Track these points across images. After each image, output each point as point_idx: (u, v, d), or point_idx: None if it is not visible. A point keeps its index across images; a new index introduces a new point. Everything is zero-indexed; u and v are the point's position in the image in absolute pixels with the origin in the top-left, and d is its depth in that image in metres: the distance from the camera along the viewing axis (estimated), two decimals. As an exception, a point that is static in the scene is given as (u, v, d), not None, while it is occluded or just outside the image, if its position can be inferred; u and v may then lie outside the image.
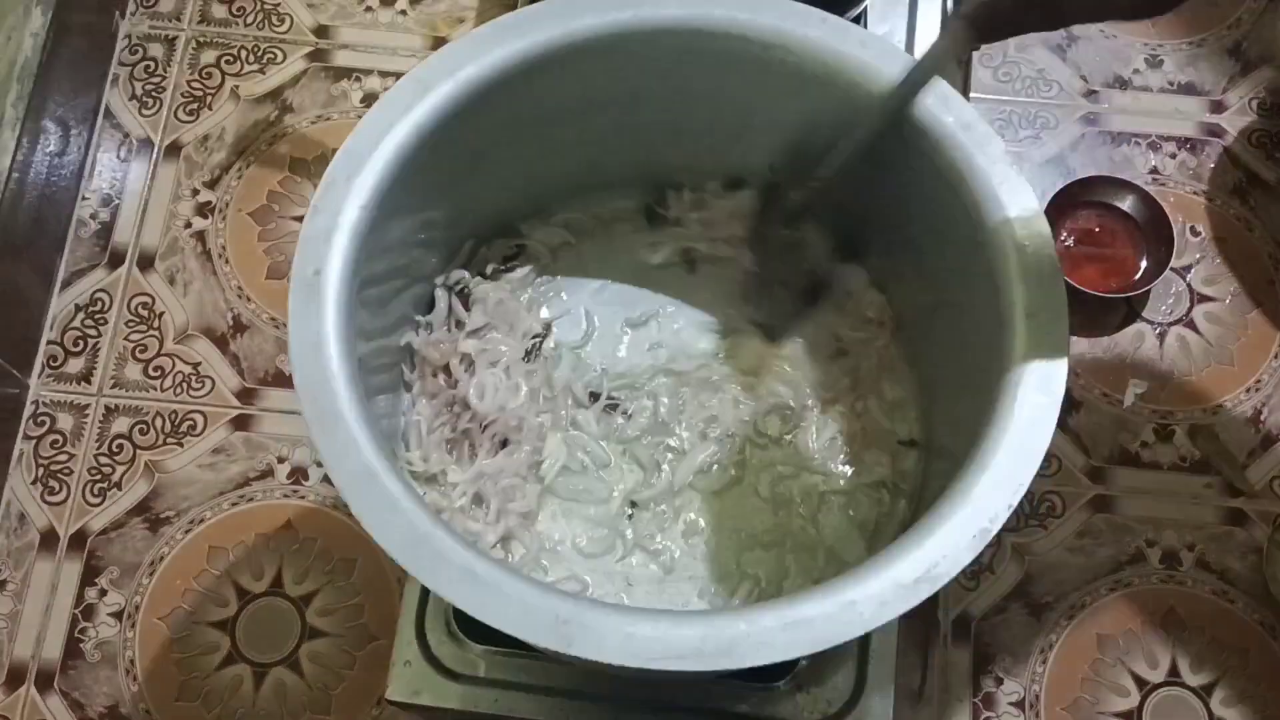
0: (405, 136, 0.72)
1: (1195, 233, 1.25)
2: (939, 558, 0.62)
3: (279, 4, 1.35)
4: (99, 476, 1.17)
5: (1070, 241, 1.21)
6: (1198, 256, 1.24)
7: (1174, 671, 1.11)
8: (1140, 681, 1.11)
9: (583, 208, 0.90)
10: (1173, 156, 1.29)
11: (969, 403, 0.71)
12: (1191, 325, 1.22)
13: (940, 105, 0.72)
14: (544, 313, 0.88)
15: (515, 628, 0.61)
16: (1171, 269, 1.21)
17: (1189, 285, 1.23)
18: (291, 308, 0.67)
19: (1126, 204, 1.22)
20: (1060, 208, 1.21)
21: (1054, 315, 0.67)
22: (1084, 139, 1.29)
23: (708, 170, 0.89)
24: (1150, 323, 1.22)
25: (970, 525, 0.63)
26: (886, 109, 0.71)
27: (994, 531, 0.62)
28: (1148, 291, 1.21)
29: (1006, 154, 0.70)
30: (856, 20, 1.06)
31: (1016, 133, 1.29)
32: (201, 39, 1.34)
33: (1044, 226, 0.69)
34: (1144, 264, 1.21)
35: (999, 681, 1.10)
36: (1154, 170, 1.28)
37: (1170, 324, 1.22)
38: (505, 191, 0.87)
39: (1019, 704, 1.10)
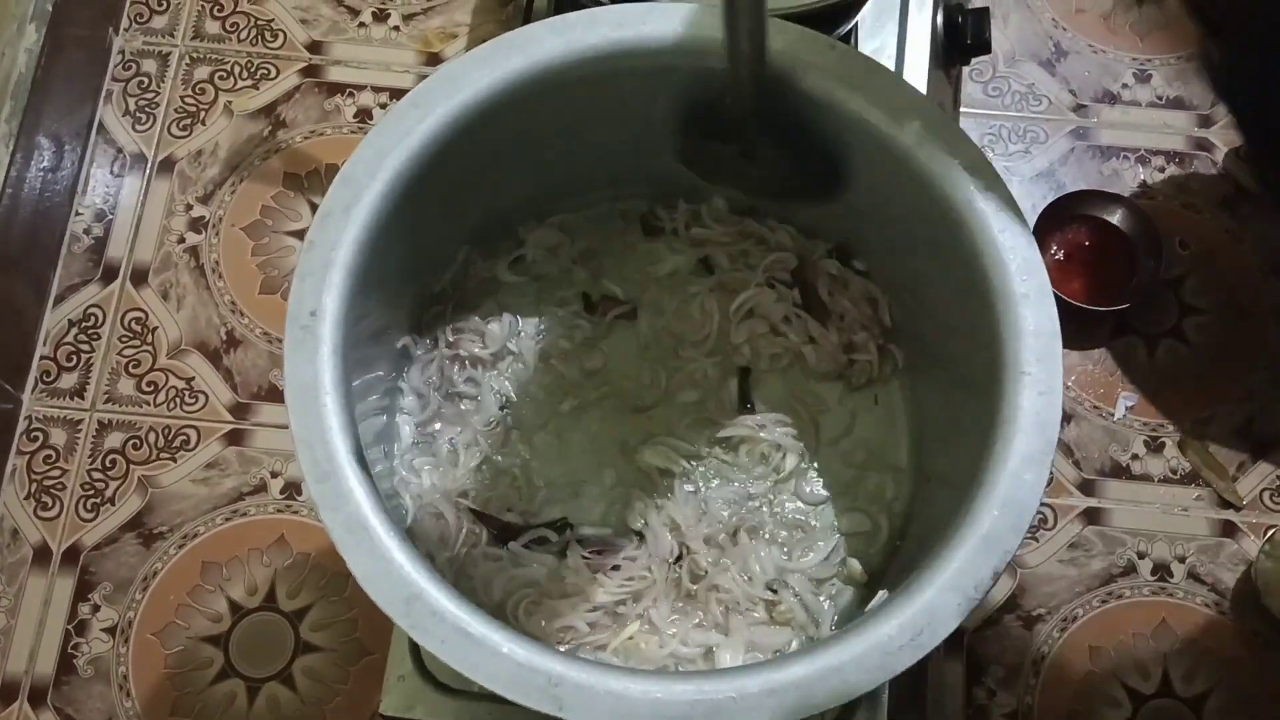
0: (403, 162, 0.73)
1: (1184, 245, 1.26)
2: (924, 624, 0.62)
3: (272, 20, 1.35)
4: (92, 492, 1.17)
5: (1060, 255, 1.22)
6: (1187, 269, 1.25)
7: (1166, 683, 1.11)
8: (1133, 693, 1.11)
9: (578, 210, 0.91)
10: (1161, 170, 1.29)
11: (961, 439, 0.72)
12: (1181, 337, 1.23)
13: (948, 145, 0.72)
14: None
15: (507, 689, 0.62)
16: (1161, 281, 1.22)
17: (1178, 298, 1.24)
18: (287, 351, 0.67)
19: (1116, 217, 1.22)
20: (1050, 221, 1.22)
21: (1049, 372, 0.67)
22: (1073, 153, 1.30)
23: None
24: (1140, 335, 1.23)
25: (956, 593, 0.63)
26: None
27: (979, 599, 0.62)
28: (1138, 304, 1.22)
29: (1010, 200, 0.70)
30: (845, 38, 1.06)
31: (1006, 147, 1.30)
32: (195, 54, 1.34)
33: (1044, 280, 0.68)
34: (1134, 277, 1.21)
35: (991, 694, 1.11)
36: (1143, 184, 1.29)
37: (1160, 336, 1.23)
38: (501, 200, 0.87)
39: (1011, 716, 1.10)
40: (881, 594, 0.80)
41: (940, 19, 1.06)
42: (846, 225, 0.87)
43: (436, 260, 0.88)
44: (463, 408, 0.87)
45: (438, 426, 0.87)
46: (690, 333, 0.87)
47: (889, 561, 0.84)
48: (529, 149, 0.82)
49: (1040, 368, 0.67)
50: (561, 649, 0.79)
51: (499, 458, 0.85)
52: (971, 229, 0.70)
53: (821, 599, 0.82)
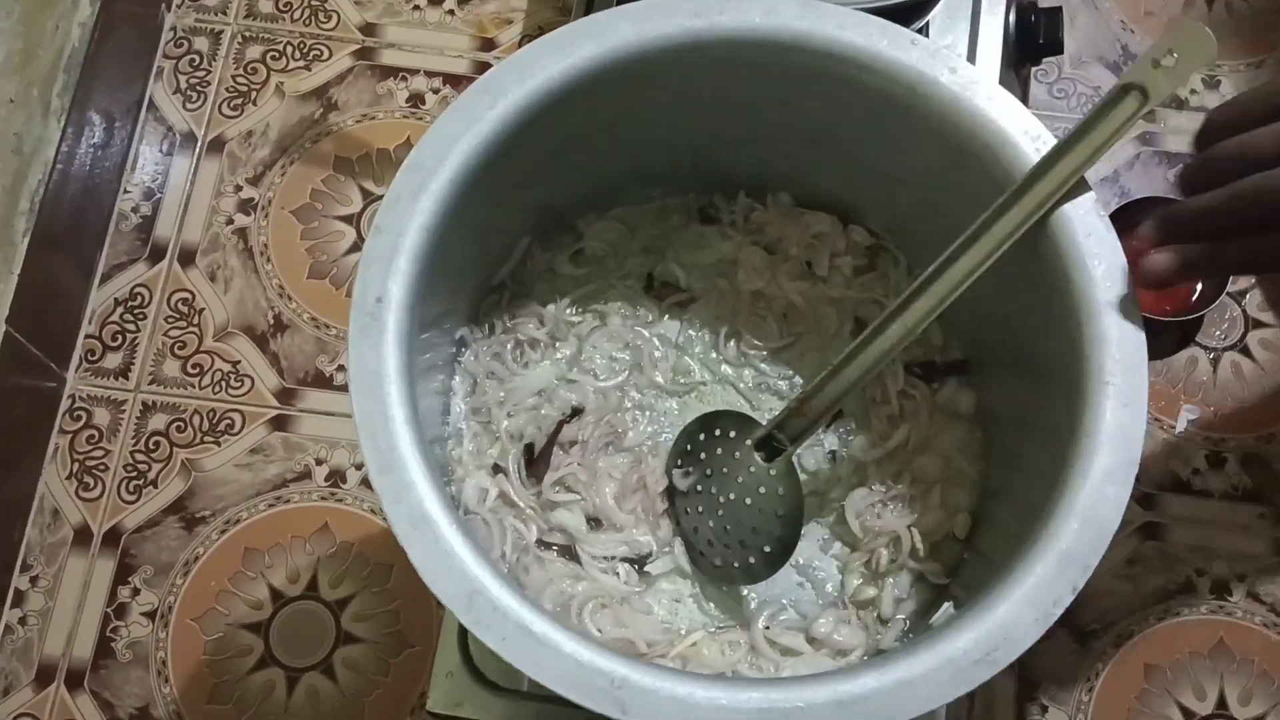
0: (472, 149, 0.71)
1: (1251, 257, 1.23)
2: (1000, 640, 0.59)
3: (326, 1, 1.34)
4: (135, 474, 1.16)
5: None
6: (1253, 282, 1.22)
7: (1222, 704, 1.09)
8: (1187, 713, 1.09)
9: (640, 203, 0.89)
10: (1229, 179, 1.26)
11: (1036, 451, 0.69)
12: (1246, 351, 1.20)
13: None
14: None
15: (570, 689, 0.60)
16: (1227, 294, 1.19)
17: (1244, 311, 1.21)
18: (352, 338, 0.65)
19: (1183, 226, 1.19)
20: (1114, 229, 1.19)
21: (1134, 383, 0.64)
22: (1139, 159, 1.27)
23: (777, 181, 0.88)
24: (1204, 348, 1.20)
25: (1033, 608, 0.60)
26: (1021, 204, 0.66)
27: (1057, 615, 0.60)
28: (1202, 316, 1.19)
29: (1096, 205, 0.68)
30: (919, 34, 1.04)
31: (1071, 151, 1.27)
32: (247, 33, 1.33)
33: (1131, 288, 0.66)
34: (1199, 288, 1.19)
35: (1044, 710, 1.08)
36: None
37: (1225, 349, 1.20)
38: (563, 192, 0.86)
39: (1063, 733, 1.08)
40: (946, 607, 0.78)
41: (1013, 18, 1.03)
42: (916, 221, 0.85)
43: (499, 251, 0.87)
44: (514, 385, 0.86)
45: (490, 408, 0.86)
46: (754, 327, 0.86)
47: (954, 574, 0.82)
48: (595, 138, 0.81)
49: (1125, 379, 0.65)
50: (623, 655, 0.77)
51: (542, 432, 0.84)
52: (1054, 230, 0.67)
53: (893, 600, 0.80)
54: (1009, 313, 0.78)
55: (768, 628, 0.79)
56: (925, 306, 0.68)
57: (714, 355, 0.87)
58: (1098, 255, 0.67)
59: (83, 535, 1.14)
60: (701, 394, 0.86)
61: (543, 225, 0.88)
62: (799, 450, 0.83)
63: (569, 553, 0.82)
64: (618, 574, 0.81)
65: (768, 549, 0.77)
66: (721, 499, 0.78)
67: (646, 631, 0.78)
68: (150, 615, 1.11)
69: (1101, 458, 0.63)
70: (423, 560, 0.63)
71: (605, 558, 0.81)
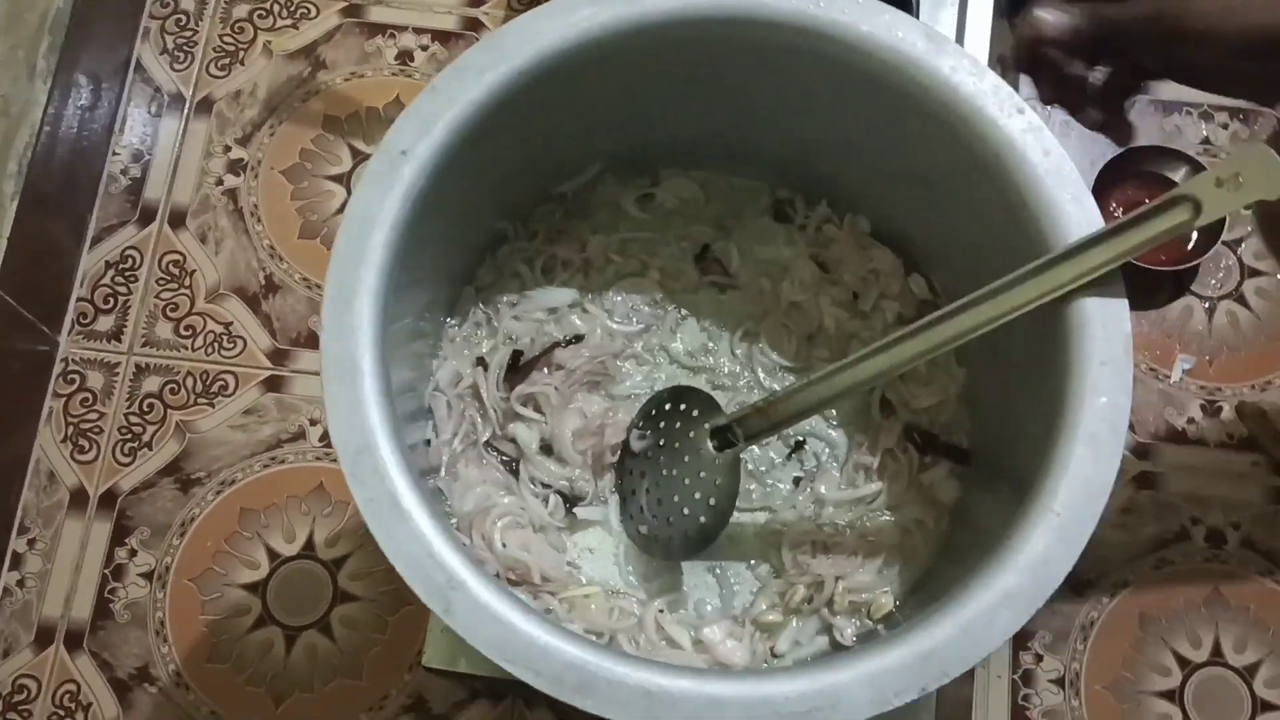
0: (557, 46, 0.71)
1: (1246, 206, 1.22)
2: (827, 703, 0.59)
3: (313, -42, 1.32)
4: (129, 436, 1.15)
5: (1119, 213, 1.19)
6: (1248, 230, 1.21)
7: (1217, 651, 1.09)
8: (1183, 661, 1.09)
9: (727, 175, 0.89)
10: (1225, 127, 1.26)
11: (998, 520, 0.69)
12: (1241, 300, 1.19)
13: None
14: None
15: (406, 570, 0.60)
16: (1222, 243, 1.18)
17: (1239, 259, 1.21)
18: (364, 177, 0.66)
19: (1179, 175, 1.19)
20: (1110, 178, 1.18)
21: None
22: (1134, 107, 1.26)
23: (863, 202, 0.87)
24: (1199, 297, 1.20)
25: (872, 687, 0.60)
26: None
27: (895, 704, 0.59)
28: (1197, 265, 1.19)
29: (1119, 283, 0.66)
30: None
31: (1066, 100, 1.26)
32: (234, -8, 1.32)
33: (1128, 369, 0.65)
34: (1194, 237, 1.18)
35: (1038, 659, 1.09)
36: (1205, 141, 1.25)
37: (1220, 299, 1.20)
38: (654, 133, 0.85)
39: (1058, 681, 1.08)
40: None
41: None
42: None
43: (565, 162, 0.86)
44: (531, 293, 0.86)
45: (500, 304, 0.86)
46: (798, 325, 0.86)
47: (860, 641, 0.81)
48: (695, 93, 0.79)
49: (1072, 516, 0.62)
50: (511, 576, 0.77)
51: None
52: (1076, 346, 0.65)
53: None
54: (1015, 414, 0.76)
55: (662, 611, 0.79)
56: (913, 349, 0.67)
57: (730, 348, 0.86)
58: (1105, 386, 0.65)
59: (79, 497, 1.14)
60: (713, 379, 0.86)
61: (622, 157, 0.87)
62: (770, 456, 0.83)
63: (511, 465, 0.82)
64: (546, 503, 0.81)
65: (689, 532, 0.77)
66: (665, 471, 0.78)
67: (547, 565, 0.78)
68: (148, 576, 1.11)
69: (1008, 579, 0.62)
70: (333, 400, 0.63)
71: (542, 484, 0.81)
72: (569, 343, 0.85)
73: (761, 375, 0.86)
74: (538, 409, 0.83)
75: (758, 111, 0.81)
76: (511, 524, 0.79)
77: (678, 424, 0.79)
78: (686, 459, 0.77)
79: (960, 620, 0.61)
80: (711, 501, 0.76)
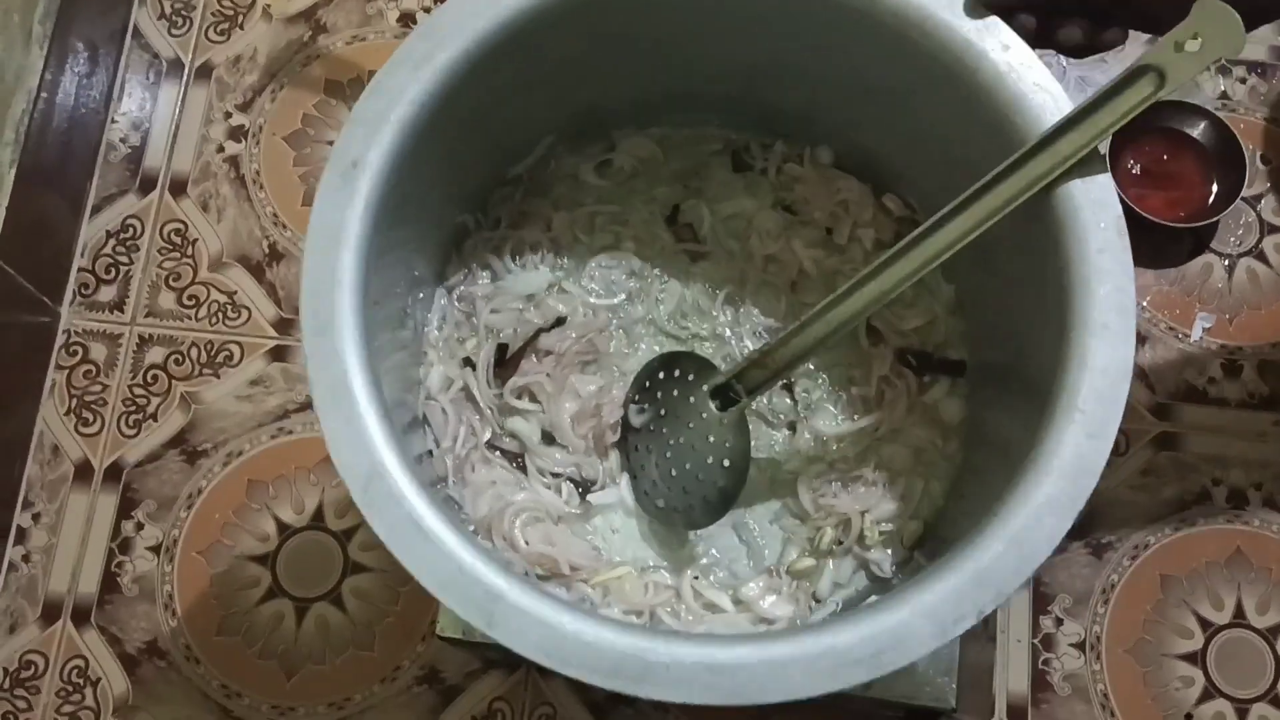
0: (492, 25, 0.68)
1: (1266, 161, 1.20)
2: (890, 645, 0.58)
3: (311, -81, 1.30)
4: (134, 408, 1.14)
5: (1136, 169, 1.17)
6: (1268, 185, 1.19)
7: (1239, 613, 1.08)
8: (1205, 623, 1.08)
9: (681, 126, 0.87)
10: (1243, 81, 1.23)
11: (1003, 465, 0.67)
12: (1261, 257, 1.17)
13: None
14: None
15: (444, 592, 0.59)
16: (1241, 198, 1.16)
17: (1259, 215, 1.19)
18: (319, 193, 0.65)
19: (1196, 130, 1.17)
20: (1126, 134, 1.16)
21: (1106, 415, 0.62)
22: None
23: (822, 132, 0.85)
24: (1219, 254, 1.18)
25: (933, 620, 0.58)
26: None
27: (956, 633, 0.58)
28: (1216, 222, 1.17)
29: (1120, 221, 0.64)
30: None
31: (1081, 56, 1.24)
32: (231, -44, 1.29)
33: (1130, 316, 0.63)
34: (1213, 193, 1.16)
35: (1059, 622, 1.07)
36: (1223, 95, 1.23)
37: (1239, 255, 1.18)
38: (600, 97, 0.83)
39: (1079, 645, 1.07)
40: (874, 600, 0.77)
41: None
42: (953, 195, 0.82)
43: (515, 142, 0.84)
44: (504, 283, 0.84)
45: (475, 299, 0.84)
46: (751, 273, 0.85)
47: (899, 570, 0.80)
48: (637, 48, 0.78)
49: (1097, 409, 0.61)
50: (540, 571, 0.76)
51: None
52: (1069, 239, 0.64)
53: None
54: (1014, 319, 0.75)
55: (696, 578, 0.77)
56: (901, 271, 0.65)
57: (715, 314, 0.85)
58: (1106, 272, 0.63)
59: (84, 471, 1.12)
60: (698, 346, 0.84)
61: (573, 126, 0.85)
62: (757, 405, 0.81)
63: (517, 460, 0.81)
64: (560, 492, 0.79)
65: (709, 497, 0.75)
66: (671, 441, 0.77)
67: (573, 554, 0.77)
68: (155, 549, 1.10)
69: (1047, 486, 0.60)
70: (333, 431, 0.61)
71: (552, 474, 0.80)
72: (552, 327, 0.83)
73: (750, 339, 0.84)
74: (533, 399, 0.82)
75: (702, 54, 0.79)
76: (530, 520, 0.77)
77: (675, 391, 0.77)
78: (691, 425, 0.76)
79: (1005, 535, 0.59)
80: (726, 463, 0.75)
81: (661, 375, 0.78)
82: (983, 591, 0.59)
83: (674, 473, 0.76)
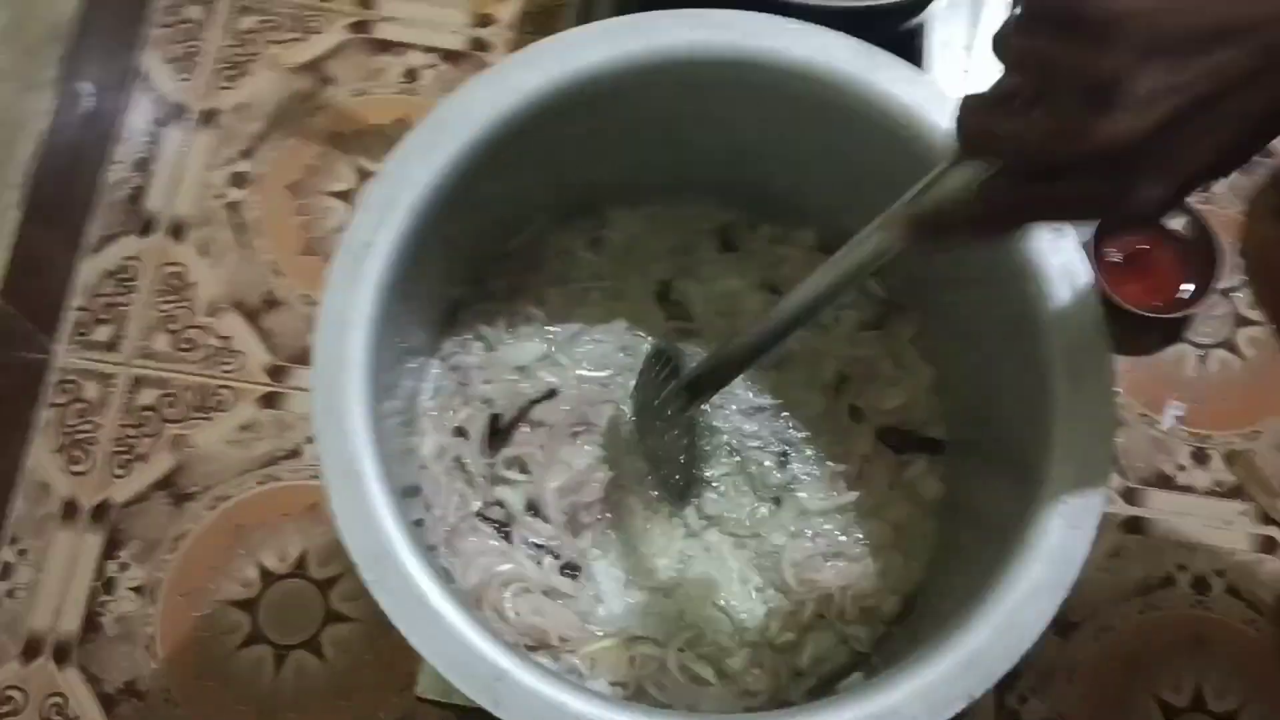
0: (500, 115, 0.71)
1: (1243, 254, 1.23)
2: None
3: (321, -29, 1.32)
4: (124, 448, 1.15)
5: (1117, 258, 1.20)
6: (1244, 279, 1.23)
7: (1199, 698, 1.11)
8: (1165, 706, 1.10)
9: (672, 206, 0.90)
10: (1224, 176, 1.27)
11: (976, 555, 0.70)
12: (1234, 349, 1.21)
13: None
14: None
15: (450, 670, 0.62)
16: (1217, 291, 1.20)
17: (1234, 308, 1.22)
18: (330, 277, 0.66)
19: (1180, 224, 1.20)
20: (1108, 226, 1.19)
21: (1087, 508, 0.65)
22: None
23: (809, 214, 0.87)
24: (1193, 344, 1.21)
25: (925, 702, 0.61)
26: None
27: (948, 716, 0.60)
28: (1191, 314, 1.20)
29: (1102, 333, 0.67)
30: (915, 31, 1.04)
31: (1067, 143, 1.27)
32: (241, 4, 1.31)
33: (1113, 410, 0.66)
34: (1190, 284, 1.19)
35: (1023, 699, 1.10)
36: (1204, 189, 1.26)
37: (1213, 346, 1.21)
38: (594, 176, 0.86)
39: (1042, 723, 1.09)
40: (856, 675, 0.79)
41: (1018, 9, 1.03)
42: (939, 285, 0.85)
43: (510, 220, 0.87)
44: (498, 355, 0.86)
45: (469, 370, 0.86)
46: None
47: (877, 646, 0.82)
48: (632, 133, 0.81)
49: (1079, 502, 0.64)
50: (528, 642, 0.78)
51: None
52: (1051, 333, 0.67)
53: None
54: (994, 402, 0.78)
55: (682, 650, 0.80)
56: (832, 277, 0.65)
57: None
58: (1089, 370, 0.66)
59: (71, 509, 1.13)
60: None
61: (567, 203, 0.88)
62: (747, 476, 0.84)
63: (504, 530, 0.83)
64: (540, 564, 0.82)
65: (678, 479, 0.80)
66: (656, 424, 0.80)
67: (562, 625, 0.79)
68: (139, 590, 1.11)
69: (1034, 571, 0.63)
70: (342, 510, 0.63)
71: (535, 544, 0.82)
72: (544, 398, 0.86)
73: (739, 418, 0.87)
74: (524, 470, 0.84)
75: (697, 143, 0.82)
76: (519, 590, 0.79)
77: (651, 387, 0.80)
78: (659, 421, 0.79)
79: (994, 620, 0.62)
80: (680, 459, 0.79)
81: (653, 367, 0.81)
82: (973, 675, 0.61)
83: (660, 452, 0.80)
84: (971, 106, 0.51)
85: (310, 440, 1.15)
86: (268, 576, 1.11)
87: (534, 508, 0.83)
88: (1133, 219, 0.48)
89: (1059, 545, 0.64)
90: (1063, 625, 1.12)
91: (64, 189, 1.19)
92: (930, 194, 0.55)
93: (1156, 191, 0.46)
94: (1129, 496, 1.16)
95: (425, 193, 0.70)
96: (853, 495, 0.84)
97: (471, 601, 0.79)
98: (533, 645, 0.79)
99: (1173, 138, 0.45)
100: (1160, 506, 1.16)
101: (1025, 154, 0.48)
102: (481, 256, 0.88)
